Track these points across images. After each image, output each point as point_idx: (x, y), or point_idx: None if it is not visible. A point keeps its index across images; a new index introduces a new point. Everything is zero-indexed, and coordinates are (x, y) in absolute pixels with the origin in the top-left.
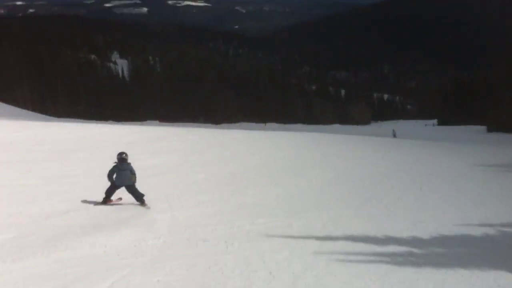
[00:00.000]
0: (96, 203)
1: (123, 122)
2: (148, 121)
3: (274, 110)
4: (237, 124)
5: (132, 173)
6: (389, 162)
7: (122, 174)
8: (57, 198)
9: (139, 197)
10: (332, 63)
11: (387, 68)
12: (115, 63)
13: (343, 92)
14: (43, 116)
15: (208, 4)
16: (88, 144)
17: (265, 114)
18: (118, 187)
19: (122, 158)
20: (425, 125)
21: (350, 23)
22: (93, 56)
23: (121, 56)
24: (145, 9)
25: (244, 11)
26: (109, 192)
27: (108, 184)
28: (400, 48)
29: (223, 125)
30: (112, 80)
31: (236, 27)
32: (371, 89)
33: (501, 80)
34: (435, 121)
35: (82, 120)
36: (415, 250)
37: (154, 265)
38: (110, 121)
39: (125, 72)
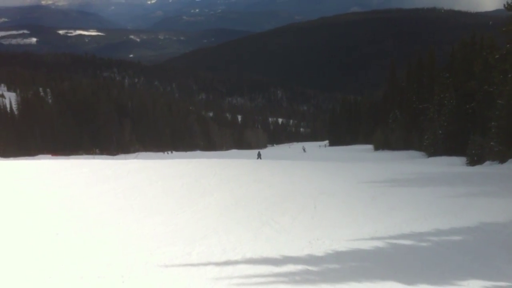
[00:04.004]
0: None
1: (12, 158)
2: (40, 156)
3: (172, 138)
4: (134, 154)
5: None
6: (285, 184)
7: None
8: None
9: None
10: (228, 89)
11: (280, 93)
12: (2, 96)
13: (239, 117)
14: None
15: (101, 33)
16: None
17: (163, 142)
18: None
19: (259, 153)
20: (319, 146)
21: (243, 51)
22: None
23: (9, 89)
24: (34, 40)
25: (138, 39)
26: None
27: None
28: (292, 73)
29: (119, 155)
30: None
31: (131, 55)
32: (266, 113)
33: (384, 101)
34: (327, 142)
35: None
36: (311, 267)
37: None
38: None
39: (13, 105)
